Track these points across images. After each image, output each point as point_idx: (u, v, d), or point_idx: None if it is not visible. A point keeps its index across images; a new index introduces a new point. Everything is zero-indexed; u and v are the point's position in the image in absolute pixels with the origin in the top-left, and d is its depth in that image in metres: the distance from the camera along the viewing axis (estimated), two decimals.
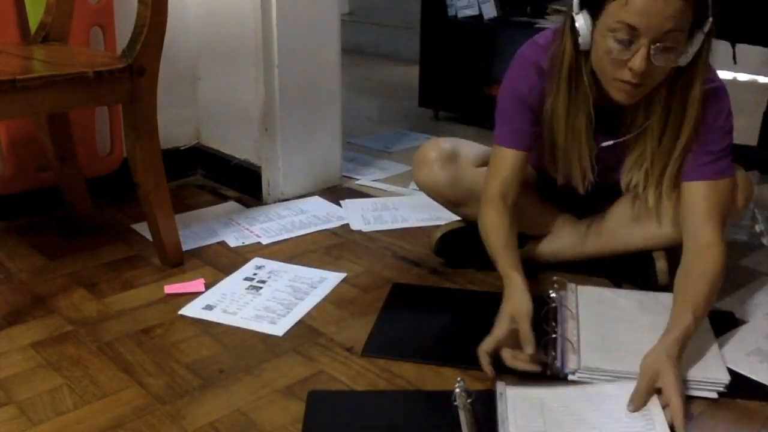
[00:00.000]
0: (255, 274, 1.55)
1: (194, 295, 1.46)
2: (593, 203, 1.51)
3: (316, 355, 1.26)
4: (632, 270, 1.50)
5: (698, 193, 1.30)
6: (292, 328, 1.34)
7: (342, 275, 1.54)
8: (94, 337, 1.31)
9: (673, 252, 1.44)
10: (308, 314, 1.39)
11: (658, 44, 1.15)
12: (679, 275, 1.27)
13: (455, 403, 1.08)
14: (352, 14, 4.73)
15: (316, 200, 1.99)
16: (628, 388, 1.12)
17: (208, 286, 1.49)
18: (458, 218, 1.60)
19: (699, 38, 1.19)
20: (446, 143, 1.53)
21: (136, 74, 1.42)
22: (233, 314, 1.38)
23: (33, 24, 1.69)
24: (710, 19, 1.18)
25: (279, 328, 1.34)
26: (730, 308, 1.42)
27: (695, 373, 1.15)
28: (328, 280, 1.53)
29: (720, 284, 1.25)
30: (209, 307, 1.41)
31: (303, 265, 1.60)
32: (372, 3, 4.66)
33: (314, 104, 2.00)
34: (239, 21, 1.95)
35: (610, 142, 1.35)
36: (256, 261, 1.61)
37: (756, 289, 1.50)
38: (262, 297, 1.45)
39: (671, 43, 1.16)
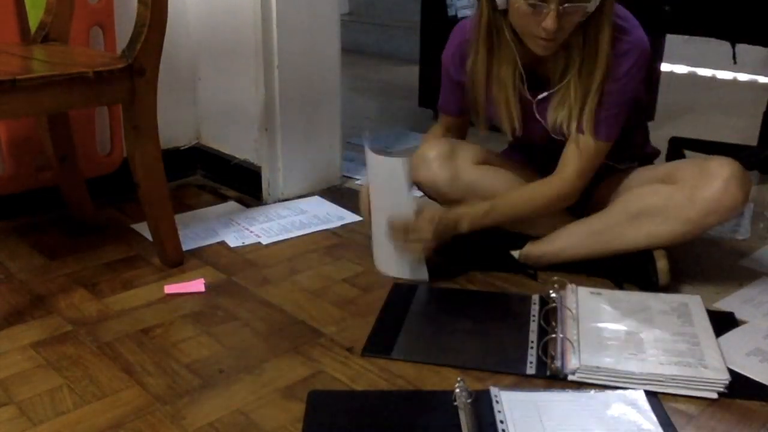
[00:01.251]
0: None
1: (195, 295, 1.46)
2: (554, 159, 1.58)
3: (316, 355, 1.26)
4: (633, 269, 1.50)
5: (577, 144, 1.45)
6: None
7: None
8: (94, 337, 1.31)
9: (675, 251, 1.45)
10: (308, 314, 1.39)
11: (566, 4, 1.29)
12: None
13: (455, 403, 1.08)
14: (352, 14, 4.73)
15: (316, 200, 1.99)
16: (624, 395, 1.12)
17: (207, 286, 1.50)
18: None
19: None
20: (445, 143, 1.55)
21: (136, 74, 1.42)
22: None
23: (33, 24, 1.69)
24: None
25: None
26: (730, 308, 1.42)
27: (695, 373, 1.15)
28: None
29: (540, 210, 1.50)
30: None
31: (303, 265, 1.60)
32: (372, 3, 4.67)
33: (314, 104, 2.00)
34: (239, 21, 1.95)
35: (545, 94, 1.46)
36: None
37: (756, 289, 1.50)
38: None
39: (578, 0, 1.30)
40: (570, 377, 1.18)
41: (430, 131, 1.69)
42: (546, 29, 1.31)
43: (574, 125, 1.44)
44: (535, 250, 1.56)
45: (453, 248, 1.56)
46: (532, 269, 1.56)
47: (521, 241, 1.56)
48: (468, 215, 1.47)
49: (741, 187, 1.38)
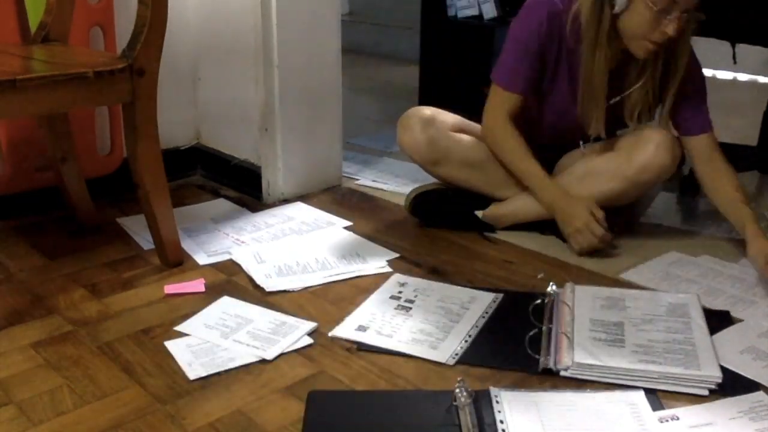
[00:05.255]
0: (400, 293, 1.46)
1: (195, 295, 1.46)
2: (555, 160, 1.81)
3: (316, 355, 1.26)
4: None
5: (706, 143, 1.65)
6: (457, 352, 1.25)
7: (492, 295, 1.44)
8: (94, 337, 1.31)
9: (615, 209, 1.66)
10: (308, 313, 1.39)
11: (686, 14, 1.44)
12: (714, 197, 1.65)
13: (455, 403, 1.08)
14: (352, 14, 4.73)
15: (299, 206, 1.95)
16: (624, 395, 1.12)
17: (207, 286, 1.50)
18: (434, 180, 1.82)
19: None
20: (427, 110, 1.75)
21: (136, 74, 1.42)
22: (388, 336, 1.31)
23: (33, 24, 1.69)
24: None
25: (441, 354, 1.24)
26: (726, 307, 1.42)
27: (687, 370, 1.16)
28: (479, 299, 1.43)
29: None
30: (362, 328, 1.33)
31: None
32: (372, 3, 4.67)
33: (314, 104, 2.00)
34: (239, 21, 1.95)
35: (618, 98, 1.61)
36: (398, 277, 1.53)
37: (751, 288, 1.51)
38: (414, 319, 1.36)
39: (694, 11, 1.45)
40: (563, 373, 1.18)
41: (494, 109, 1.69)
42: (667, 34, 1.45)
43: (644, 119, 1.63)
44: (496, 211, 1.76)
45: (426, 208, 1.79)
46: (492, 228, 1.77)
47: (486, 203, 1.77)
48: (761, 228, 1.57)
49: (669, 150, 1.60)
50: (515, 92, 1.65)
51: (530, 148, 1.67)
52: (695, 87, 1.64)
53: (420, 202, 1.79)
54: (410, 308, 1.40)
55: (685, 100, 1.63)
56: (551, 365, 1.19)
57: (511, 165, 1.69)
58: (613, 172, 1.63)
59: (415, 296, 1.45)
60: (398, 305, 1.41)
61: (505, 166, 1.71)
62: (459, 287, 1.49)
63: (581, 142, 1.70)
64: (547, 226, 1.71)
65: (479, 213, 1.76)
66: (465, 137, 1.76)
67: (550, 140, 1.75)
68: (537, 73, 1.63)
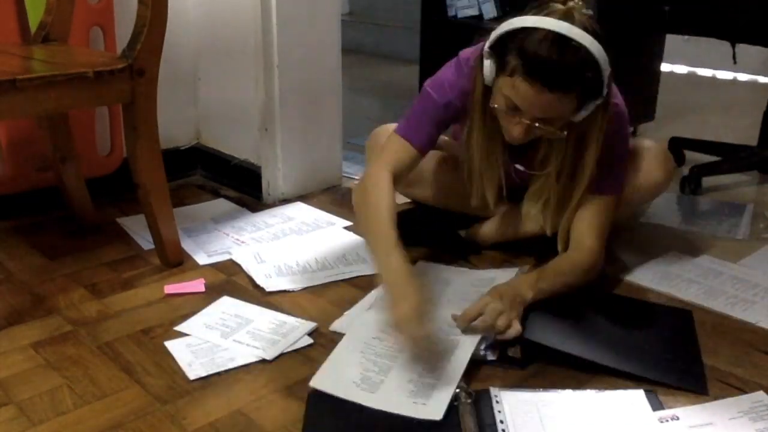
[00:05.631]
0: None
1: (195, 295, 1.46)
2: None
3: (316, 355, 1.26)
4: (553, 248, 1.53)
5: (593, 205, 1.41)
6: None
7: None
8: (94, 337, 1.31)
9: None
10: (308, 314, 1.39)
11: (537, 123, 1.25)
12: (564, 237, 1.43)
13: (455, 403, 1.08)
14: (352, 14, 4.73)
15: (299, 206, 1.96)
16: (624, 395, 1.12)
17: (207, 286, 1.50)
18: (407, 200, 1.75)
19: (591, 106, 1.26)
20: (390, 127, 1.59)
21: (136, 74, 1.42)
22: None
23: (33, 24, 1.69)
24: (604, 94, 1.26)
25: None
26: (726, 307, 1.42)
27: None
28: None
29: (579, 278, 1.37)
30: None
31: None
32: (372, 3, 4.67)
33: (314, 104, 2.00)
34: (239, 21, 1.95)
35: (522, 168, 1.44)
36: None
37: (751, 288, 1.51)
38: None
39: (551, 120, 1.26)
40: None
41: (387, 156, 1.43)
42: (513, 136, 1.30)
43: (548, 226, 1.44)
44: (479, 230, 1.67)
45: (402, 227, 1.59)
46: (476, 247, 1.67)
47: (468, 222, 1.68)
48: (525, 287, 1.30)
49: (662, 165, 1.53)
50: (414, 145, 1.43)
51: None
52: (614, 154, 1.41)
53: (400, 221, 1.62)
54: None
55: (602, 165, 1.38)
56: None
57: (364, 221, 1.37)
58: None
59: None
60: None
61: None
62: (455, 270, 1.50)
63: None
64: (529, 247, 1.57)
65: (462, 232, 1.69)
66: (438, 155, 1.65)
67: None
68: (440, 131, 1.46)
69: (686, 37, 2.58)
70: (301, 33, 1.92)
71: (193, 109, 2.17)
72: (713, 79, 3.75)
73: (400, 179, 1.43)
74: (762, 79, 3.67)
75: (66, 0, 1.64)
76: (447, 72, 1.46)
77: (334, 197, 2.02)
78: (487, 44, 1.28)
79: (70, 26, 1.67)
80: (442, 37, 2.85)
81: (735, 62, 2.20)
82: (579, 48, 1.19)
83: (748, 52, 2.24)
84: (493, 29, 1.29)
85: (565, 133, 1.29)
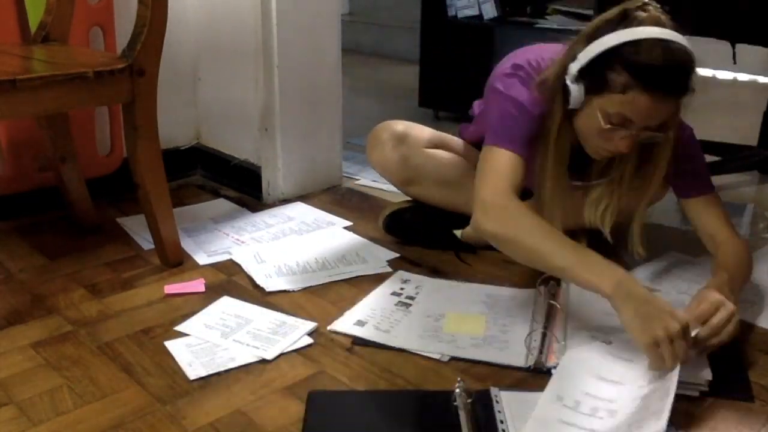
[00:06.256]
0: (402, 289, 1.46)
1: (195, 295, 1.46)
2: None
3: (316, 355, 1.26)
4: None
5: (704, 206, 1.43)
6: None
7: (501, 294, 1.41)
8: (94, 337, 1.31)
9: (595, 234, 1.49)
10: (308, 313, 1.39)
11: (646, 131, 1.25)
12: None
13: (455, 403, 1.08)
14: (352, 14, 4.73)
15: (299, 206, 1.96)
16: (625, 394, 1.12)
17: (207, 286, 1.50)
18: (407, 199, 1.71)
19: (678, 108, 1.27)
20: (398, 125, 1.63)
21: (136, 74, 1.42)
22: (386, 332, 1.31)
23: (33, 24, 1.69)
24: (691, 93, 1.24)
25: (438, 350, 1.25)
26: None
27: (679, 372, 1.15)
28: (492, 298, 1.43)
29: (748, 269, 1.37)
30: (360, 323, 1.34)
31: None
32: (372, 3, 4.67)
33: (314, 104, 2.00)
34: (239, 21, 1.95)
35: (579, 184, 1.43)
36: (401, 274, 1.53)
37: (751, 288, 1.51)
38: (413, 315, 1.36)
39: (662, 126, 1.26)
40: (553, 371, 1.18)
41: (496, 178, 1.30)
42: (618, 149, 1.27)
43: (607, 227, 1.42)
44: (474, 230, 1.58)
45: (400, 226, 1.68)
46: (472, 248, 1.65)
47: (463, 221, 1.61)
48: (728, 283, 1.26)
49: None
50: (521, 154, 1.32)
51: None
52: (689, 159, 1.42)
53: (394, 221, 1.69)
54: (410, 305, 1.40)
55: (681, 171, 1.41)
56: (541, 363, 1.19)
57: (536, 246, 1.24)
58: None
59: (417, 293, 1.45)
60: (399, 301, 1.41)
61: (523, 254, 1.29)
62: (464, 285, 1.49)
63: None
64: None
65: (458, 232, 1.66)
66: (440, 153, 1.64)
67: None
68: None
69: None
70: (301, 33, 1.92)
71: (193, 109, 2.17)
72: (713, 79, 3.76)
73: (518, 190, 1.32)
74: (762, 79, 3.67)
75: (66, 0, 1.64)
76: (520, 90, 1.35)
77: (334, 197, 2.02)
78: (575, 69, 1.24)
79: (70, 26, 1.67)
80: (442, 37, 2.85)
81: (735, 62, 2.20)
82: (682, 49, 1.21)
83: (748, 52, 2.23)
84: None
85: (671, 133, 1.29)
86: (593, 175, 1.43)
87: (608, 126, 1.24)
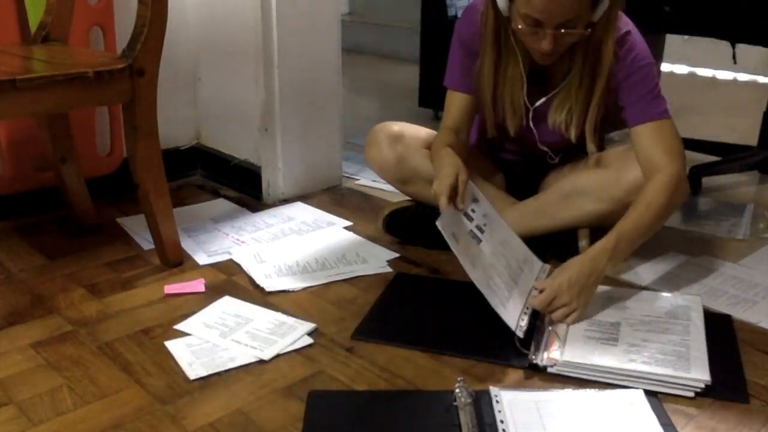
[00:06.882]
0: (473, 211, 1.39)
1: (195, 295, 1.46)
2: (534, 182, 1.68)
3: (316, 355, 1.26)
4: (558, 247, 1.56)
5: (647, 134, 1.42)
6: None
7: (540, 264, 1.40)
8: (94, 337, 1.31)
9: (599, 231, 1.48)
10: (308, 314, 1.39)
11: (561, 29, 1.32)
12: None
13: (455, 403, 1.08)
14: (352, 14, 4.73)
15: (299, 206, 1.96)
16: (624, 395, 1.12)
17: (207, 286, 1.50)
18: (407, 198, 1.72)
19: (605, 5, 1.34)
20: (394, 126, 1.66)
21: (136, 74, 1.42)
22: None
23: (33, 24, 1.69)
24: None
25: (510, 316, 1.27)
26: (727, 307, 1.42)
27: (675, 372, 1.15)
28: (530, 262, 1.46)
29: (665, 204, 1.36)
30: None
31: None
32: (372, 3, 4.67)
33: (314, 104, 2.00)
34: (239, 21, 1.95)
35: (543, 99, 1.50)
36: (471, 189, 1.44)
37: (752, 288, 1.51)
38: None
39: (574, 24, 1.33)
40: (549, 370, 1.19)
41: (444, 118, 1.60)
42: (543, 49, 1.36)
43: (573, 130, 1.48)
44: None
45: (400, 226, 1.69)
46: None
47: None
48: (603, 260, 1.32)
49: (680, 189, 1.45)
50: (464, 91, 1.56)
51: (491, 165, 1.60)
52: (629, 80, 1.43)
53: (394, 220, 1.70)
54: (480, 240, 1.35)
55: (630, 93, 1.44)
56: (538, 361, 1.20)
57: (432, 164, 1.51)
58: (602, 193, 1.50)
59: (485, 224, 1.39)
60: (471, 229, 1.35)
61: (487, 184, 1.60)
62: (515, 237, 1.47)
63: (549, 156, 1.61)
64: (530, 245, 1.49)
65: None
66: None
67: (521, 156, 1.68)
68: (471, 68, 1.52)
69: (686, 37, 2.58)
70: (301, 33, 1.92)
71: (193, 109, 2.17)
72: (713, 79, 3.75)
73: (465, 127, 1.58)
74: (762, 79, 3.67)
75: (66, 0, 1.64)
76: (461, 19, 1.56)
77: (334, 197, 2.02)
78: None
79: (70, 26, 1.67)
80: (442, 37, 2.83)
81: (735, 62, 2.20)
82: None
83: (748, 52, 2.24)
84: None
85: (589, 30, 1.35)
86: (552, 88, 1.49)
87: (526, 28, 1.34)
